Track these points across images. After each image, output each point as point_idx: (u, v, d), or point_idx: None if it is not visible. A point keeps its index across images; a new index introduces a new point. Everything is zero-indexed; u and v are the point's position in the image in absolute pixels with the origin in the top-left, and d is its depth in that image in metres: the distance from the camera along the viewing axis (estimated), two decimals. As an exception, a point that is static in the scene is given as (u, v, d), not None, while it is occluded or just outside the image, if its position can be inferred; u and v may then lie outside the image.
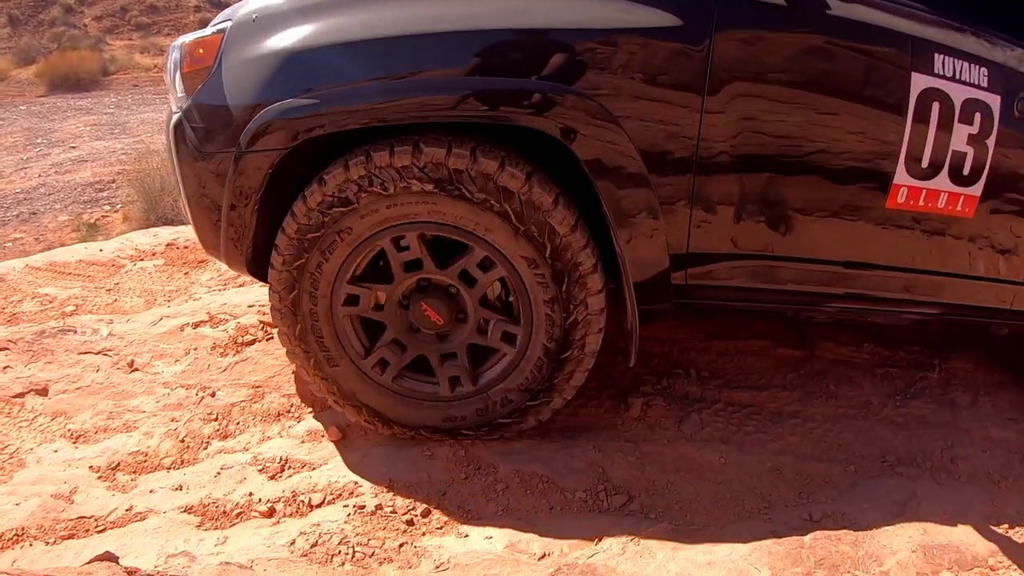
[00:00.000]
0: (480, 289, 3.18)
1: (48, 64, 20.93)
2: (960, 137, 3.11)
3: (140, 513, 3.47)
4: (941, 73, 3.04)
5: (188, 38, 3.22)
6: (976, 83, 3.09)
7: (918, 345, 4.18)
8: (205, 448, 3.77)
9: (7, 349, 4.58)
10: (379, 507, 3.19)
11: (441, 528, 3.10)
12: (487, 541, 3.01)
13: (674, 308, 3.28)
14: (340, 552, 2.99)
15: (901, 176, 3.11)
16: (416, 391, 3.39)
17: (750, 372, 3.94)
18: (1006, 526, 3.06)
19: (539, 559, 2.92)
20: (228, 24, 3.05)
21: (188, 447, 3.78)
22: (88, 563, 2.77)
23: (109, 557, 2.79)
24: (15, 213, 9.87)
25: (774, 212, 3.12)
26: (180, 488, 3.54)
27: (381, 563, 2.95)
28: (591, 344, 3.21)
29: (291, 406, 3.95)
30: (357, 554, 2.98)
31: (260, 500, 3.35)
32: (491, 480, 3.30)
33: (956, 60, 3.05)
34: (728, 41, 2.84)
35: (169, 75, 3.26)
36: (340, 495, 3.29)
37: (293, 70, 2.85)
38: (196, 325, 4.75)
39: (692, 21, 2.81)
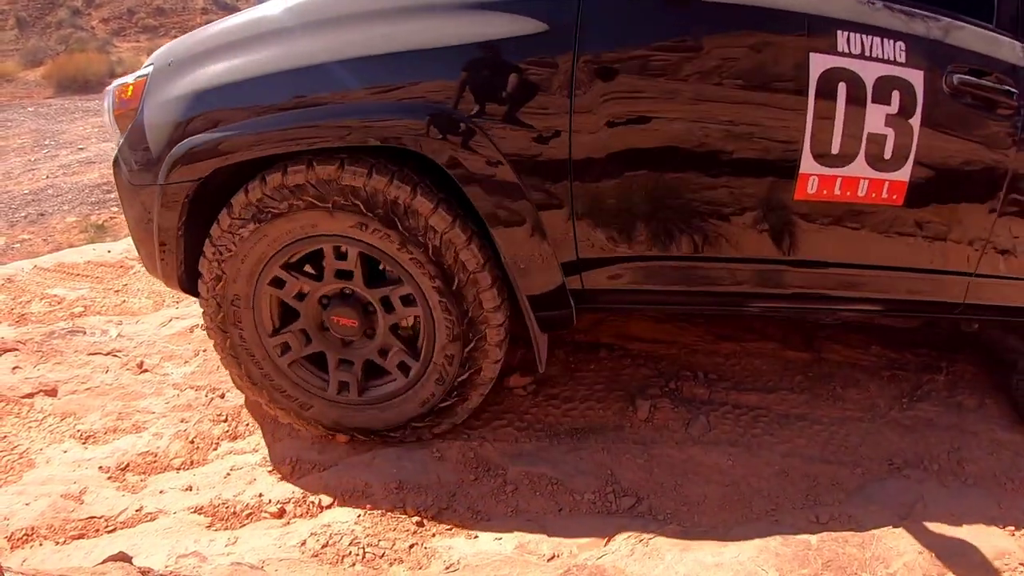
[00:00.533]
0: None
1: (56, 66, 20.92)
2: (876, 119, 2.89)
3: (150, 514, 3.48)
4: (846, 51, 2.83)
5: (118, 82, 3.44)
6: (891, 58, 2.86)
7: (925, 347, 4.17)
8: (215, 449, 3.79)
9: (16, 350, 4.60)
10: (389, 508, 3.21)
11: (451, 529, 3.12)
12: (497, 542, 3.03)
13: (580, 312, 3.29)
14: (351, 553, 3.01)
15: (808, 165, 2.93)
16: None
17: (758, 374, 3.94)
18: (1012, 528, 3.05)
19: (548, 560, 2.94)
20: (151, 69, 3.28)
21: (198, 448, 3.80)
22: (102, 563, 2.79)
23: (123, 557, 2.81)
24: (23, 214, 9.88)
25: (665, 212, 3.04)
26: (190, 489, 3.55)
27: (391, 564, 2.97)
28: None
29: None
30: (367, 555, 3.00)
31: (270, 501, 3.37)
32: (500, 482, 3.32)
33: (864, 36, 2.83)
34: (594, 41, 2.81)
35: (106, 116, 3.47)
36: (351, 496, 3.31)
37: (198, 109, 3.05)
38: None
39: (556, 25, 2.81)
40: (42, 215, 9.88)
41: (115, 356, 4.59)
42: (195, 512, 3.42)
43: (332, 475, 3.42)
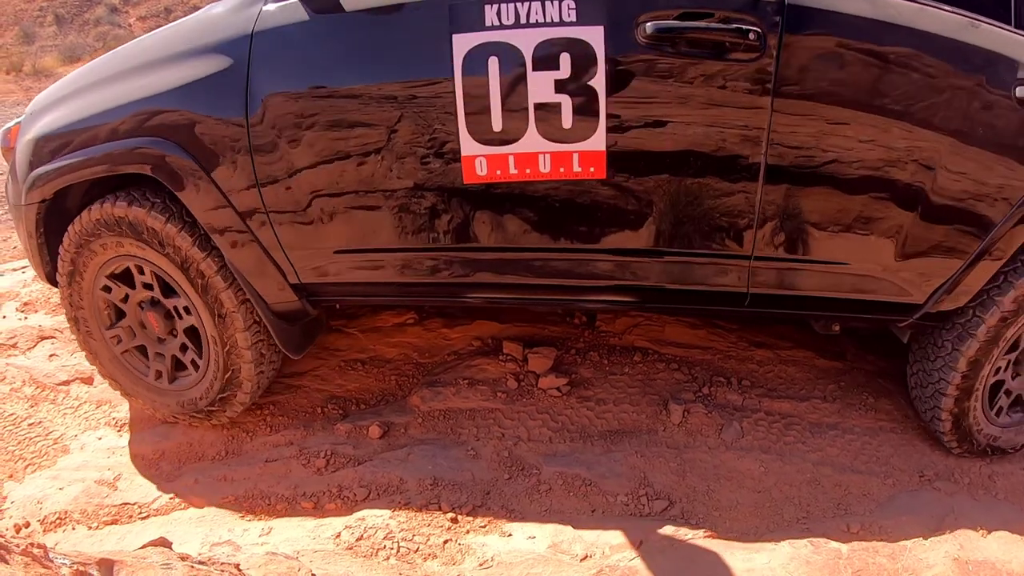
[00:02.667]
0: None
1: (94, 62, 21.02)
2: (541, 87, 2.73)
3: (184, 502, 3.52)
4: (497, 23, 2.72)
5: (8, 125, 4.03)
6: (557, 20, 2.68)
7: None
8: (251, 440, 3.82)
9: (53, 338, 4.65)
10: (424, 504, 3.24)
11: (485, 527, 3.14)
12: (530, 541, 3.05)
13: (316, 303, 3.53)
14: (385, 547, 3.03)
15: (469, 147, 2.85)
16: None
17: (791, 382, 3.94)
18: (1042, 543, 3.06)
19: (581, 560, 2.95)
20: (24, 116, 3.82)
21: (233, 438, 3.83)
22: (142, 547, 2.82)
23: (163, 542, 2.84)
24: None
25: (352, 210, 3.14)
26: (225, 479, 3.58)
27: (425, 559, 2.99)
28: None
29: (334, 401, 4.00)
30: (402, 549, 3.02)
31: (305, 493, 3.40)
32: (535, 481, 3.34)
33: (520, 3, 2.69)
34: (260, 66, 3.00)
35: None
36: (385, 491, 3.33)
37: (40, 148, 3.54)
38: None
39: (236, 59, 3.04)
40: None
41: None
42: (230, 502, 3.45)
43: (367, 470, 3.44)
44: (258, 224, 3.23)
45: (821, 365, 4.06)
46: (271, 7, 3.02)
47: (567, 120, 2.76)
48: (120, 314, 3.85)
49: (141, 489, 3.68)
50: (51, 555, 2.36)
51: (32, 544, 2.34)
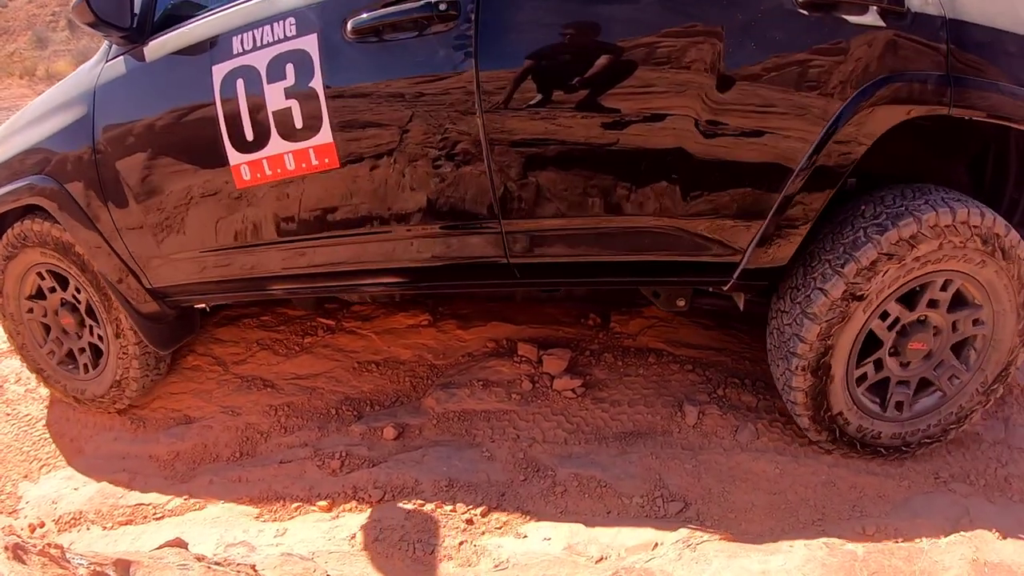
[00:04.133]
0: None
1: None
2: (275, 96, 3.06)
3: (198, 502, 3.53)
4: (241, 51, 3.11)
5: None
6: (282, 37, 3.02)
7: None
8: (265, 442, 3.83)
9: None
10: (439, 505, 3.24)
11: (500, 528, 3.14)
12: (545, 542, 3.05)
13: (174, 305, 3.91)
14: (400, 548, 3.04)
15: (234, 156, 3.22)
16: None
17: (805, 384, 3.91)
18: (1059, 547, 3.04)
19: (596, 562, 2.96)
20: None
21: (248, 439, 3.84)
22: (159, 548, 2.83)
23: (179, 543, 2.86)
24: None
25: (168, 216, 3.53)
26: (239, 480, 3.60)
27: (441, 560, 3.00)
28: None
29: (348, 402, 4.01)
30: (417, 550, 3.03)
31: (320, 494, 3.41)
32: (549, 483, 3.33)
33: (256, 31, 3.08)
34: (101, 110, 3.55)
35: None
36: (400, 492, 3.34)
37: None
38: (254, 320, 4.81)
39: (87, 107, 3.59)
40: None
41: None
42: (244, 503, 3.47)
43: (381, 471, 3.45)
44: (112, 236, 3.69)
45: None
46: (109, 63, 3.56)
47: (298, 121, 3.06)
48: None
49: (156, 490, 3.70)
50: (68, 555, 2.37)
51: (49, 544, 2.35)
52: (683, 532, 3.05)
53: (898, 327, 3.18)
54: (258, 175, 3.21)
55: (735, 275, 3.10)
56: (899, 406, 3.30)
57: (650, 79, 2.81)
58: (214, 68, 3.17)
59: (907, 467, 3.40)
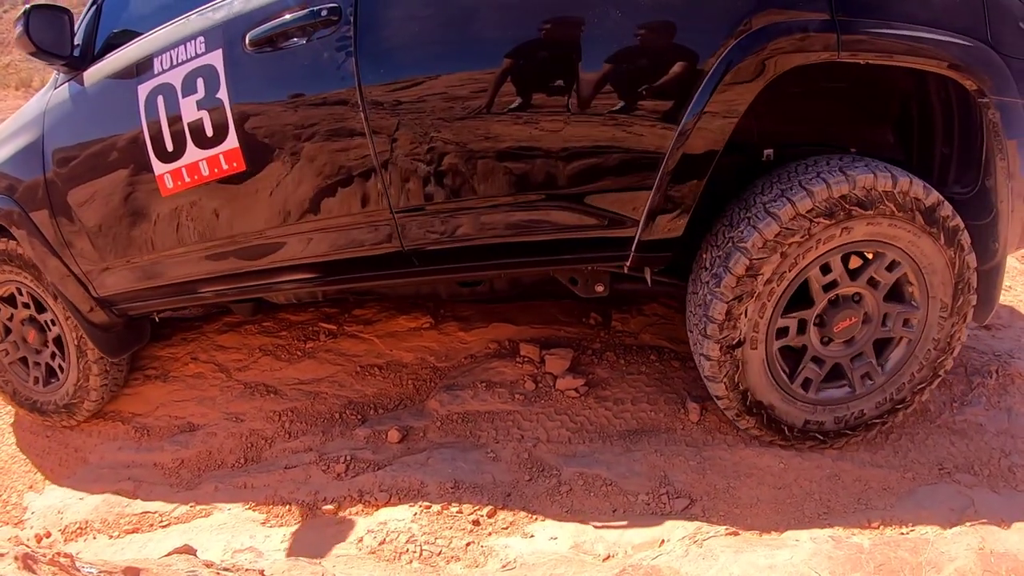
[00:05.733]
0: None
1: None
2: (189, 109, 3.27)
3: (204, 509, 3.54)
4: (161, 70, 3.34)
5: None
6: (194, 55, 3.25)
7: (976, 351, 4.16)
8: (269, 447, 3.83)
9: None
10: (445, 507, 3.25)
11: (507, 528, 3.14)
12: (552, 541, 3.05)
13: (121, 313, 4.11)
14: (408, 550, 3.04)
15: (158, 167, 3.43)
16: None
17: (808, 378, 3.91)
18: (1064, 535, 3.04)
19: (603, 560, 2.96)
20: None
21: (252, 445, 3.85)
22: (167, 555, 2.84)
23: (187, 550, 2.86)
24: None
25: (103, 229, 3.76)
26: (245, 486, 3.60)
27: (448, 561, 3.01)
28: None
29: (352, 406, 4.01)
30: (424, 552, 3.03)
31: (326, 498, 3.41)
32: (555, 482, 3.34)
33: (173, 52, 3.31)
34: (49, 133, 3.82)
35: None
36: (406, 495, 3.35)
37: None
38: (255, 326, 4.82)
39: (39, 130, 3.87)
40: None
41: (172, 354, 4.67)
42: (250, 508, 3.48)
43: (387, 474, 3.46)
44: (62, 249, 3.93)
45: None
46: (58, 89, 3.81)
47: (208, 129, 3.26)
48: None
49: (161, 497, 3.71)
50: (77, 564, 2.37)
51: (59, 553, 2.35)
52: (689, 528, 3.05)
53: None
54: (179, 182, 3.41)
55: (633, 248, 3.12)
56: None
57: (522, 63, 2.94)
58: (139, 88, 3.40)
59: (911, 459, 3.42)
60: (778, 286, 3.07)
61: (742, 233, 3.02)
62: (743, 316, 3.10)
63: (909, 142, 3.48)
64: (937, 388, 3.73)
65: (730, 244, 3.05)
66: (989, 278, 3.31)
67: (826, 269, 3.12)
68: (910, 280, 3.18)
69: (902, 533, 3.01)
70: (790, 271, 3.06)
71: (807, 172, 3.01)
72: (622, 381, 3.89)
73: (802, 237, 2.98)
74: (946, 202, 3.05)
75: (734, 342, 3.14)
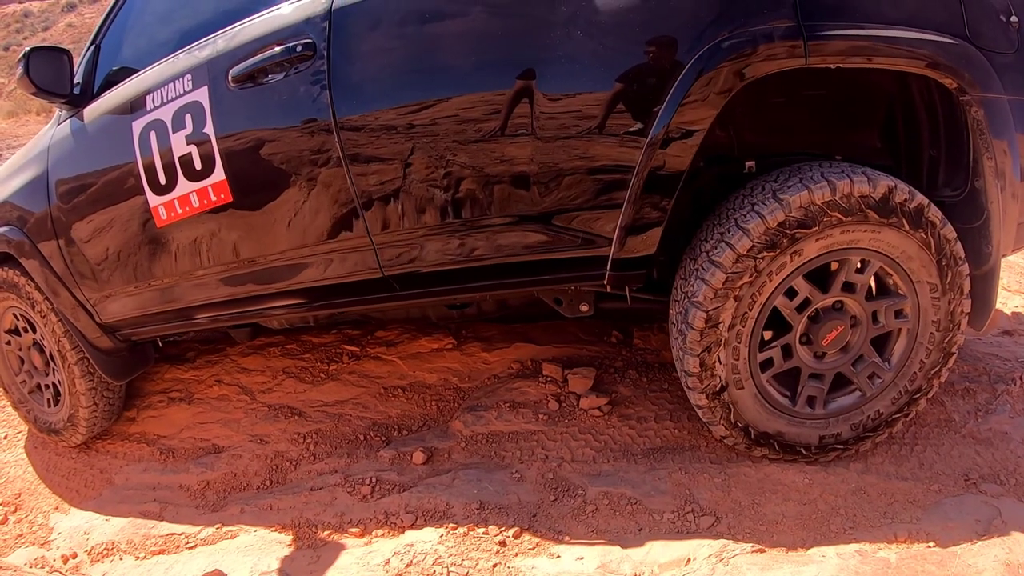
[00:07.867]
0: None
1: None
2: (179, 143, 3.41)
3: (230, 531, 3.55)
4: (153, 107, 3.50)
5: None
6: (182, 92, 3.40)
7: (999, 358, 4.15)
8: (294, 469, 3.85)
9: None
10: (471, 528, 3.25)
11: (533, 549, 3.14)
12: (579, 562, 3.04)
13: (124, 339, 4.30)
14: (435, 572, 3.04)
15: (152, 199, 3.59)
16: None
17: (831, 392, 3.90)
18: (1094, 546, 3.02)
19: (631, 580, 2.96)
20: None
21: (277, 467, 3.86)
22: (198, 579, 2.86)
23: (218, 574, 2.88)
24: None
25: (107, 259, 3.93)
26: (270, 508, 3.62)
27: (476, 583, 3.01)
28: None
29: (376, 428, 4.03)
30: (452, 574, 3.03)
31: (352, 520, 3.42)
32: (580, 502, 3.34)
33: (163, 89, 3.47)
34: (54, 167, 4.03)
35: None
36: (432, 516, 3.35)
37: None
38: (278, 347, 4.83)
39: (44, 164, 4.08)
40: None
41: (197, 377, 4.69)
42: (276, 530, 3.49)
43: (412, 495, 3.46)
44: (68, 278, 4.11)
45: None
46: (60, 125, 4.01)
47: (197, 163, 3.39)
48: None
49: (187, 519, 3.73)
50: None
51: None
52: (715, 546, 3.04)
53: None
54: (172, 214, 3.56)
55: (608, 267, 3.12)
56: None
57: (488, 87, 2.98)
58: (133, 124, 3.56)
59: (936, 470, 3.39)
60: (743, 327, 3.06)
61: (693, 288, 3.04)
62: (717, 364, 3.10)
63: (897, 147, 3.44)
64: (961, 397, 3.74)
65: (686, 300, 3.08)
66: (984, 282, 3.26)
67: (792, 292, 3.10)
68: (888, 272, 3.13)
69: (929, 546, 2.99)
70: (751, 310, 3.04)
71: (741, 207, 2.99)
72: (645, 399, 3.89)
73: (751, 277, 2.96)
74: (899, 186, 2.98)
75: (717, 388, 3.15)
